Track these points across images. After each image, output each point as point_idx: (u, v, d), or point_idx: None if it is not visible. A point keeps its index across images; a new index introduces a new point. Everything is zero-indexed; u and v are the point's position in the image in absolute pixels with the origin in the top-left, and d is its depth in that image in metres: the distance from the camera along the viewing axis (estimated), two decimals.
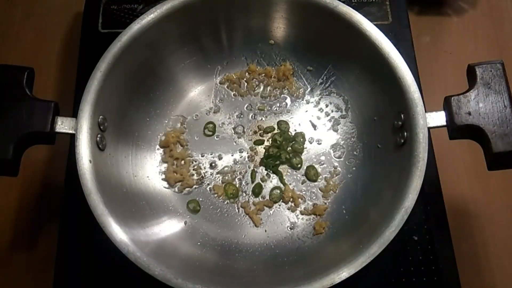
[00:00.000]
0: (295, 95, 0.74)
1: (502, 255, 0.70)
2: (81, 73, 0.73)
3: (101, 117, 0.60)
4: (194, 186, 0.69)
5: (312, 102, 0.74)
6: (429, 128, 0.58)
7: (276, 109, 0.74)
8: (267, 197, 0.69)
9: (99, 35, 0.76)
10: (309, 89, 0.74)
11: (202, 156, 0.71)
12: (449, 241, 0.66)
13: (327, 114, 0.73)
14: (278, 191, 0.69)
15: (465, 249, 0.68)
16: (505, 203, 0.73)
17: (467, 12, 0.84)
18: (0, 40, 0.84)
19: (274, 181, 0.70)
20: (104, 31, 0.77)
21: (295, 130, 0.72)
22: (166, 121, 0.72)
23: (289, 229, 0.67)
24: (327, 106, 0.73)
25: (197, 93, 0.74)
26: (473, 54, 0.81)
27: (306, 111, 0.74)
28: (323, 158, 0.71)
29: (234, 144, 0.72)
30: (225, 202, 0.68)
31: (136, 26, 0.63)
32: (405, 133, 0.60)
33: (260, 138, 0.72)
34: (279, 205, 0.68)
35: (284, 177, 0.70)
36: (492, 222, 0.71)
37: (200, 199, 0.68)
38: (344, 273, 0.52)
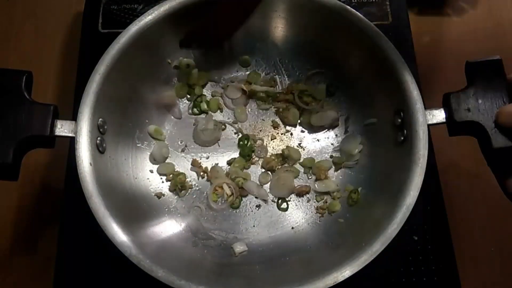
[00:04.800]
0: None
1: (502, 255, 0.70)
2: (81, 74, 0.73)
3: (100, 119, 0.60)
4: (194, 187, 0.69)
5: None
6: (428, 125, 0.58)
7: (276, 109, 0.74)
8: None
9: (99, 35, 0.76)
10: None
11: (203, 156, 0.71)
12: (449, 241, 0.66)
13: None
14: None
15: (465, 249, 0.68)
16: (505, 203, 0.73)
17: (467, 12, 0.84)
18: (0, 40, 0.83)
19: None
20: (104, 31, 0.77)
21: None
22: (166, 123, 0.72)
23: (291, 228, 0.67)
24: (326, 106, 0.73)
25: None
26: (473, 54, 0.80)
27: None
28: (323, 157, 0.71)
29: (235, 144, 0.72)
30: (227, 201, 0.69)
31: (134, 27, 0.62)
32: (405, 131, 0.60)
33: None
34: None
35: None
36: (492, 222, 0.72)
37: (201, 199, 0.69)
38: (347, 272, 0.53)
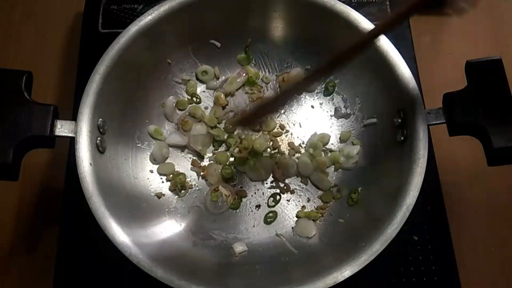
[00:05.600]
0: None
1: (502, 255, 0.70)
2: (81, 74, 0.73)
3: (100, 119, 0.60)
4: (194, 187, 0.69)
5: (311, 102, 0.74)
6: (428, 125, 0.58)
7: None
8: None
9: (99, 35, 0.76)
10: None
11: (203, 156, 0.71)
12: (449, 241, 0.66)
13: (326, 113, 0.73)
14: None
15: (465, 249, 0.68)
16: (505, 202, 0.73)
17: (467, 12, 0.84)
18: (0, 40, 0.83)
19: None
20: (104, 31, 0.77)
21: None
22: (166, 123, 0.72)
23: (291, 228, 0.67)
24: (326, 105, 0.73)
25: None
26: (473, 54, 0.80)
27: (305, 110, 0.74)
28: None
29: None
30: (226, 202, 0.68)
31: (134, 28, 0.63)
32: (405, 131, 0.60)
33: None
34: (281, 204, 0.69)
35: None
36: (492, 222, 0.71)
37: (201, 199, 0.69)
38: (347, 271, 0.53)
